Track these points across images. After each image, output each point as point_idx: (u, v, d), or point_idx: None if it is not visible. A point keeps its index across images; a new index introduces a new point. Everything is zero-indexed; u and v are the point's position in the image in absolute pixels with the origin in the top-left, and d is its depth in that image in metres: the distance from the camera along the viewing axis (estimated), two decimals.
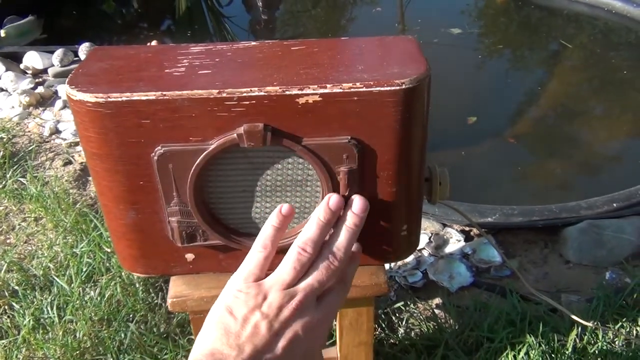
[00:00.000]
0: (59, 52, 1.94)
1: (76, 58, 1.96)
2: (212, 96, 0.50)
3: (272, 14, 2.98)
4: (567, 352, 0.89)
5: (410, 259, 1.13)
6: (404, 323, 1.00)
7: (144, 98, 0.50)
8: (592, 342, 0.90)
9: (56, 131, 1.65)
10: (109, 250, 1.12)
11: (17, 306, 1.04)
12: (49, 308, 1.03)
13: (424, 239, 1.17)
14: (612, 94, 2.04)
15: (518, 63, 2.35)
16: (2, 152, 1.50)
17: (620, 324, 0.94)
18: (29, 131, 1.65)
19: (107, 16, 2.84)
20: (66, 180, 1.41)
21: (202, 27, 2.90)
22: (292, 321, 0.48)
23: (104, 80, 0.53)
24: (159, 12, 3.07)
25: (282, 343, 0.47)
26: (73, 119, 0.54)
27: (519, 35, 2.54)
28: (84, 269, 1.08)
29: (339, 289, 0.53)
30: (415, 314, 1.01)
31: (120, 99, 0.50)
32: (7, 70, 1.95)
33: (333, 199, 0.54)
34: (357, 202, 0.54)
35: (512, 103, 1.99)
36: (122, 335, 0.98)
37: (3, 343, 0.98)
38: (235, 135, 0.52)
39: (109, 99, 0.50)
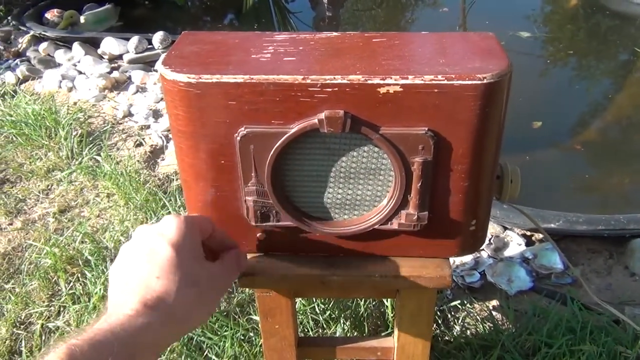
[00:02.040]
0: (134, 39, 2.03)
1: (150, 46, 2.04)
2: (296, 82, 0.52)
3: (336, 12, 3.00)
4: None
5: (468, 259, 1.13)
6: (459, 321, 1.00)
7: (232, 80, 0.53)
8: None
9: (129, 114, 1.73)
10: None
11: (89, 275, 1.10)
12: None
13: None
14: None
15: (585, 71, 2.28)
16: (80, 131, 1.58)
17: None
18: (104, 113, 1.74)
19: (177, 7, 2.93)
20: (137, 161, 1.48)
21: (268, 22, 2.95)
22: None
23: (195, 62, 0.56)
24: (226, 6, 3.15)
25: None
26: (164, 97, 0.57)
27: (588, 43, 2.46)
28: None
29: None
30: (471, 314, 1.01)
31: (210, 80, 0.53)
32: (86, 54, 2.05)
33: None
34: None
35: (578, 111, 1.93)
36: None
37: (75, 308, 1.04)
38: (316, 120, 0.54)
39: (200, 80, 0.53)
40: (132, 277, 0.50)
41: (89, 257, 1.14)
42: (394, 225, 0.61)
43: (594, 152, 1.72)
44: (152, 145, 1.56)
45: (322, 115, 0.53)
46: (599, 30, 2.53)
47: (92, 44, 2.11)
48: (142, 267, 0.50)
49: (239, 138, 0.56)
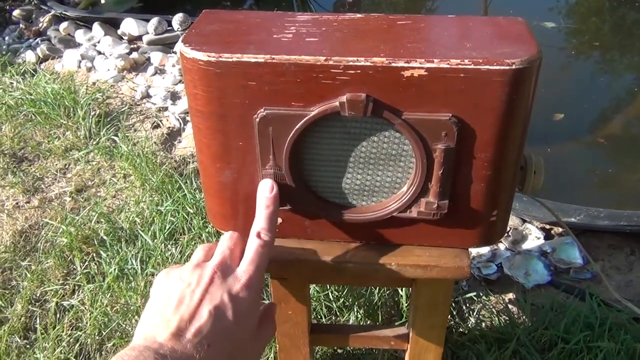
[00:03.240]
0: (154, 20, 2.02)
1: (169, 27, 2.03)
2: (318, 63, 0.51)
3: None
4: None
5: (485, 250, 1.11)
6: (474, 314, 0.99)
7: (252, 60, 0.52)
8: None
9: (147, 95, 1.73)
10: (191, 211, 1.17)
11: (104, 255, 1.11)
12: (133, 259, 1.09)
13: None
14: None
15: (609, 65, 2.23)
16: (98, 111, 1.59)
17: None
18: (122, 94, 1.74)
19: None
20: (154, 143, 1.48)
21: (288, 6, 2.92)
22: (213, 288, 0.49)
23: (215, 41, 0.55)
24: None
25: (207, 308, 0.48)
26: (183, 76, 0.56)
27: (612, 36, 2.40)
28: (167, 227, 1.14)
29: (259, 255, 0.53)
30: (487, 306, 1.00)
31: (230, 59, 0.52)
32: (105, 35, 2.05)
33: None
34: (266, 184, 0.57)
35: (601, 105, 1.89)
36: None
37: (90, 287, 1.05)
38: (337, 103, 0.52)
39: (220, 59, 0.52)
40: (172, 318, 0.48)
41: (105, 237, 1.15)
42: (413, 213, 0.59)
43: (617, 146, 1.68)
44: (169, 127, 1.56)
45: (343, 98, 0.52)
46: (624, 23, 2.47)
47: (112, 25, 2.11)
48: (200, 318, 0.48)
49: (257, 119, 0.55)
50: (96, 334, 0.97)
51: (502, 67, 0.50)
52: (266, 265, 0.54)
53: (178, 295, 0.49)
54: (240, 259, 0.53)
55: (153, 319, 0.48)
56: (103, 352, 0.95)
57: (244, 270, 0.52)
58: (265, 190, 0.57)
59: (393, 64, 0.51)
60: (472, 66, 0.50)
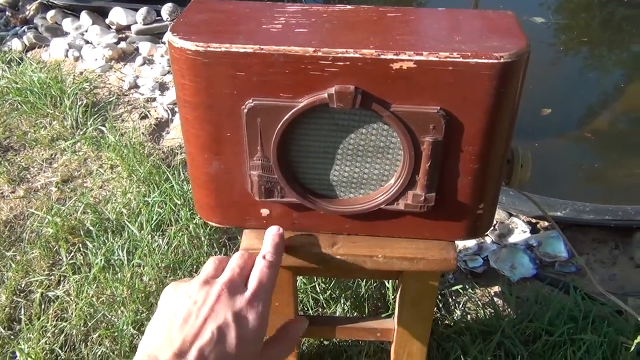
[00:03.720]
0: (142, 10, 2.00)
1: (158, 17, 2.01)
2: (307, 54, 0.51)
3: None
4: (630, 355, 0.86)
5: (472, 243, 1.12)
6: (460, 306, 0.99)
7: (241, 50, 0.52)
8: None
9: (135, 86, 1.71)
10: (179, 202, 1.16)
11: (90, 245, 1.10)
12: (119, 250, 1.08)
13: None
14: None
15: (597, 61, 2.24)
16: (85, 101, 1.57)
17: None
18: (110, 84, 1.72)
19: None
20: (142, 133, 1.47)
21: None
22: (219, 306, 0.49)
23: (204, 30, 0.54)
24: None
25: (211, 328, 0.48)
26: (171, 66, 0.56)
27: (600, 32, 2.42)
28: (154, 218, 1.13)
29: (265, 275, 0.53)
30: (472, 299, 1.00)
31: (219, 49, 0.52)
32: (93, 24, 2.02)
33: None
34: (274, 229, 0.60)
35: (587, 100, 1.90)
36: None
37: (75, 278, 1.04)
38: (325, 94, 0.52)
39: (208, 49, 0.52)
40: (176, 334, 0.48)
41: (91, 228, 1.14)
42: (400, 205, 0.59)
43: (604, 142, 1.70)
44: (157, 118, 1.55)
45: (332, 90, 0.52)
46: (613, 19, 2.49)
47: (100, 14, 2.09)
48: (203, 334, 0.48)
49: (245, 110, 0.55)
50: (81, 324, 0.96)
51: (491, 61, 0.50)
52: (273, 286, 0.54)
53: (184, 312, 0.49)
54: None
55: (157, 336, 0.48)
56: (88, 343, 0.94)
57: (250, 290, 0.52)
58: (273, 229, 0.60)
59: (382, 56, 0.51)
60: (460, 59, 0.50)
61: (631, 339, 0.88)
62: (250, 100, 0.54)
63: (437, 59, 0.50)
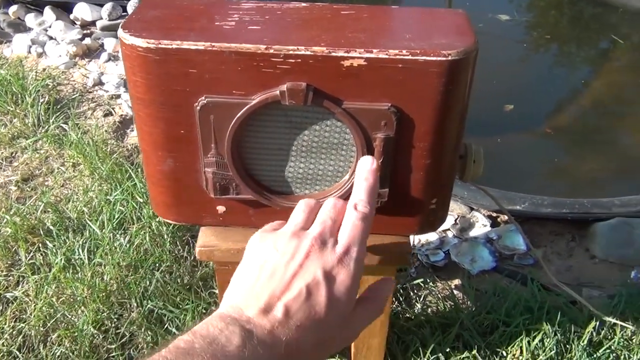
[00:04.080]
0: (108, 5, 1.97)
1: (124, 13, 1.99)
2: (259, 51, 0.51)
3: None
4: (582, 344, 0.89)
5: (434, 238, 1.14)
6: (421, 299, 1.01)
7: (193, 47, 0.52)
8: (609, 337, 0.90)
9: (99, 83, 1.69)
10: (141, 200, 1.15)
11: (50, 245, 1.08)
12: (80, 250, 1.06)
13: (449, 221, 1.17)
14: None
15: (564, 58, 2.29)
16: (47, 98, 1.54)
17: None
18: (74, 80, 1.69)
19: None
20: (105, 131, 1.45)
21: None
22: (309, 262, 0.46)
23: (156, 27, 0.54)
24: None
25: (299, 285, 0.45)
26: (123, 63, 0.56)
27: (569, 30, 2.48)
28: (116, 216, 1.12)
29: (356, 228, 0.48)
30: (433, 292, 1.02)
31: (170, 47, 0.51)
32: (57, 19, 1.99)
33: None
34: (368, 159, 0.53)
35: (552, 96, 1.95)
36: (147, 282, 1.01)
37: (35, 278, 1.03)
38: (277, 92, 0.53)
39: (159, 46, 0.52)
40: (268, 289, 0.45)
41: (51, 227, 1.12)
42: None
43: (565, 137, 1.74)
44: (121, 115, 1.53)
45: (284, 87, 0.52)
46: (581, 17, 2.55)
47: (64, 9, 2.05)
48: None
49: (198, 108, 0.55)
50: (40, 325, 0.95)
51: (439, 58, 0.51)
52: (366, 240, 0.49)
53: (272, 266, 0.46)
54: None
55: (243, 288, 0.46)
56: (47, 344, 0.93)
57: (341, 246, 0.47)
58: (366, 163, 0.52)
59: (333, 54, 0.51)
60: (409, 57, 0.51)
61: (584, 328, 0.90)
62: (203, 98, 0.54)
63: (387, 56, 0.51)
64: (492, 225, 1.17)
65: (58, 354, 0.91)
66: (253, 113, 0.55)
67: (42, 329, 0.95)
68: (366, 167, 0.52)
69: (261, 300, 0.44)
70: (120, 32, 0.53)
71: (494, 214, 1.21)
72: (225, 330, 0.42)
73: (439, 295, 1.02)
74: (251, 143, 0.58)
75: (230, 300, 0.46)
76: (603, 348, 0.89)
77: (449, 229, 1.16)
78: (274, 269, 0.46)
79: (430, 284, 1.04)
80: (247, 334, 0.42)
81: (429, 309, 0.99)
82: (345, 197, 0.60)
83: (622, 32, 2.36)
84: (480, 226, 1.17)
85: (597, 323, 0.91)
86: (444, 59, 0.51)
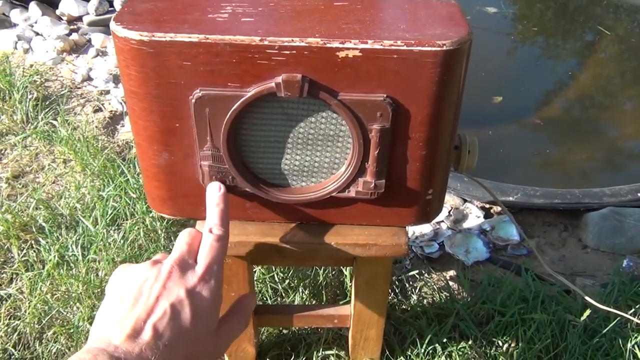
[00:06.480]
0: (94, 0, 1.95)
1: (111, 8, 1.97)
2: (254, 43, 0.51)
3: None
4: (577, 332, 0.90)
5: (428, 230, 1.14)
6: (417, 291, 1.01)
7: (187, 40, 0.51)
8: (603, 325, 0.91)
9: (88, 78, 1.67)
10: (134, 196, 1.15)
11: (43, 242, 1.07)
12: (73, 246, 1.06)
13: (443, 212, 1.18)
14: None
15: (550, 50, 2.31)
16: (35, 95, 1.53)
17: (633, 310, 0.94)
18: (62, 76, 1.67)
19: None
20: (96, 127, 1.44)
21: None
22: (171, 283, 0.48)
23: (149, 19, 0.54)
24: None
25: (164, 305, 0.47)
26: (116, 56, 0.55)
27: (555, 22, 2.49)
28: (109, 212, 1.11)
29: (214, 249, 0.53)
30: (429, 284, 1.03)
31: (164, 39, 0.51)
32: (43, 15, 1.96)
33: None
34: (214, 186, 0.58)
35: (540, 88, 1.96)
36: None
37: (28, 275, 1.02)
38: (273, 84, 0.53)
39: (153, 38, 0.51)
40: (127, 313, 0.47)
41: (43, 224, 1.11)
42: (352, 193, 0.60)
43: (555, 128, 1.75)
44: (111, 110, 1.52)
45: (279, 79, 0.52)
46: (567, 9, 2.56)
47: (50, 4, 2.02)
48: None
49: (193, 100, 0.54)
50: (35, 322, 0.94)
51: (433, 49, 0.51)
52: (223, 259, 0.53)
53: (135, 291, 0.48)
54: None
55: (108, 319, 0.47)
56: (43, 341, 0.93)
57: (200, 265, 0.51)
58: (214, 190, 0.57)
59: (328, 45, 0.51)
60: (404, 47, 0.51)
61: (578, 317, 0.91)
62: (198, 90, 0.54)
63: (381, 47, 0.51)
64: (485, 217, 1.18)
65: (54, 350, 0.91)
66: (249, 105, 0.54)
67: (37, 326, 0.94)
68: (215, 194, 0.57)
69: (127, 327, 0.45)
70: (112, 24, 0.53)
71: (487, 205, 1.22)
72: None
73: (435, 286, 1.02)
74: (247, 136, 0.58)
75: (96, 334, 0.47)
76: (598, 336, 0.89)
77: (442, 221, 1.17)
78: (138, 294, 0.48)
79: (426, 275, 1.05)
80: None
81: (425, 300, 0.99)
82: (342, 189, 0.60)
83: (606, 24, 2.37)
84: (474, 217, 1.17)
85: (591, 312, 0.92)
86: (439, 49, 0.51)
